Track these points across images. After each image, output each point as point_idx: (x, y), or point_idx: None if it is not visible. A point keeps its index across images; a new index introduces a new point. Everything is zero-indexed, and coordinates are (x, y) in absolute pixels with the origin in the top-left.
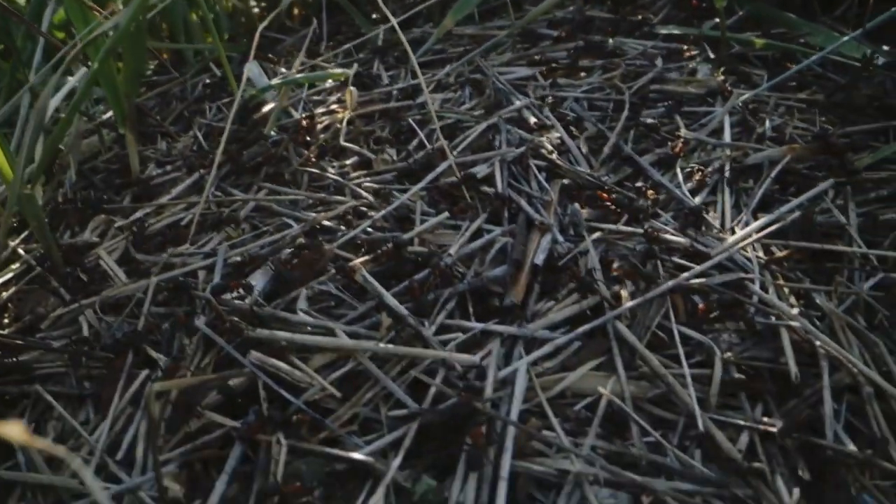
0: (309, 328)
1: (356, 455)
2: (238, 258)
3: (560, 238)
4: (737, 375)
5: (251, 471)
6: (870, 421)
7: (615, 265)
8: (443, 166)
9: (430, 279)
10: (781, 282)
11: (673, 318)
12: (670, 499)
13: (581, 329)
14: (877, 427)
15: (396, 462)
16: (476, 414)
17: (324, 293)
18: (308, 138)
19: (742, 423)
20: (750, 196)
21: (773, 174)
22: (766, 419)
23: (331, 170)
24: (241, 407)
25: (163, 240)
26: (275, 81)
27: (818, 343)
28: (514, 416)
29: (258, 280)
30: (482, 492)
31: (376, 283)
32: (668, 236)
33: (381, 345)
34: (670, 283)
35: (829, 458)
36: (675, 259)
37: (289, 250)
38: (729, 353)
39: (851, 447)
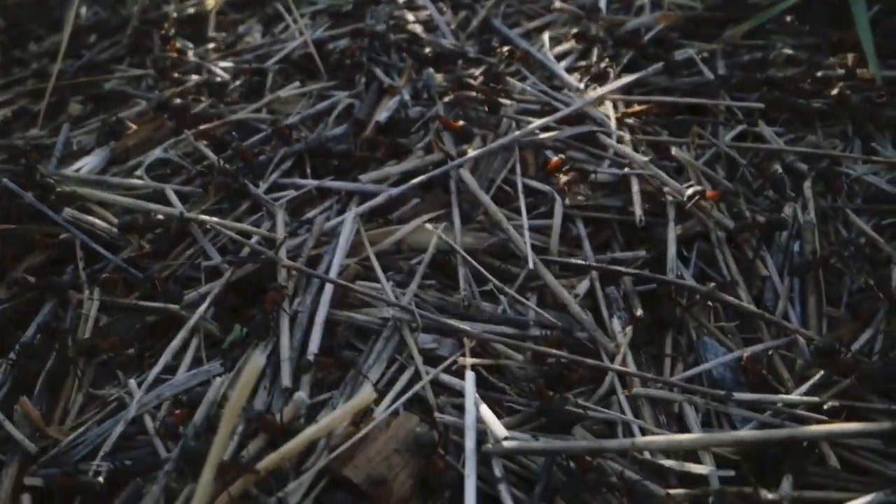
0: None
1: (166, 306)
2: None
3: (408, 98)
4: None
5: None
6: (720, 266)
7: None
8: (298, 41)
9: (271, 141)
10: (640, 136)
11: (519, 171)
12: (498, 343)
13: (417, 180)
14: (726, 270)
15: (202, 308)
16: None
17: (164, 161)
18: (173, 28)
19: (582, 263)
20: (618, 59)
21: (646, 39)
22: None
23: (192, 54)
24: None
25: (8, 127)
26: None
27: (666, 189)
28: (336, 266)
29: (97, 152)
30: (294, 339)
31: (205, 149)
32: (514, 97)
33: (187, 213)
34: (514, 133)
35: (666, 294)
36: (532, 118)
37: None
38: (576, 200)
39: (692, 282)
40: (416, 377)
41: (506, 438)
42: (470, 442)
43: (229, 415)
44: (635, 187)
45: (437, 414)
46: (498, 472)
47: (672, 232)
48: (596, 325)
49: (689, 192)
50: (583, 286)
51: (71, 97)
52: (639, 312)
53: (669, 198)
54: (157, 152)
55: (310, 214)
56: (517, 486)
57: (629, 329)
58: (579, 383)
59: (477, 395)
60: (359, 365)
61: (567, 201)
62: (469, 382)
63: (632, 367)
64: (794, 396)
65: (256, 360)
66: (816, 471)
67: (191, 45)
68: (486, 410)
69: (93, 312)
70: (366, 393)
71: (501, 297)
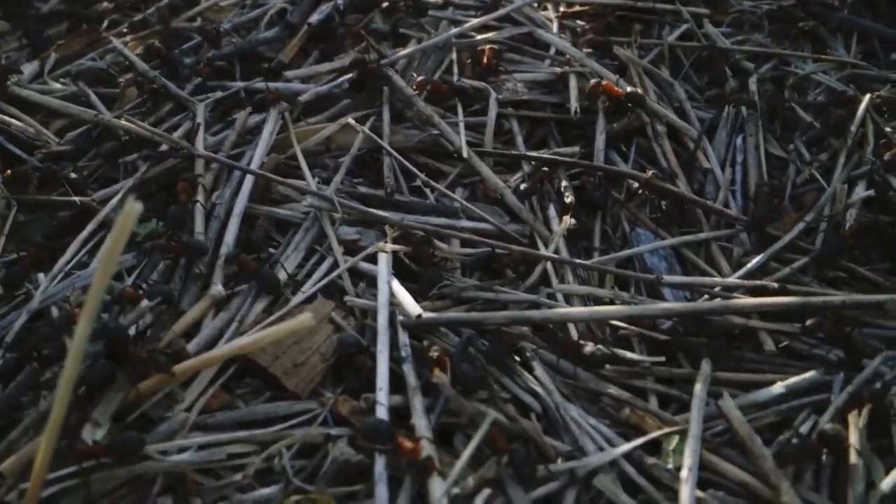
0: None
1: (78, 199)
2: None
3: (340, 3)
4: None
5: None
6: (659, 161)
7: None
8: None
9: (204, 46)
10: (584, 38)
11: (456, 71)
12: (422, 232)
13: (346, 77)
14: (666, 164)
15: (114, 201)
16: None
17: (91, 69)
18: None
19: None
20: None
21: None
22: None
23: None
24: None
25: None
26: None
27: (604, 82)
28: (257, 159)
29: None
30: (210, 231)
31: (129, 52)
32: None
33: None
34: (447, 32)
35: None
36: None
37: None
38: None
39: (627, 168)
40: (336, 268)
41: (419, 316)
42: (382, 319)
43: (105, 264)
44: (573, 83)
45: (347, 297)
46: (404, 351)
47: (601, 121)
48: (531, 215)
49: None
50: (516, 178)
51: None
52: (569, 199)
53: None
54: (86, 61)
55: (236, 116)
56: None
57: (566, 219)
58: (509, 267)
59: (393, 277)
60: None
61: (501, 96)
62: (382, 262)
63: (564, 256)
64: (732, 279)
65: (131, 205)
66: (753, 356)
67: None
68: (401, 290)
69: (11, 214)
70: (303, 317)
71: (428, 192)
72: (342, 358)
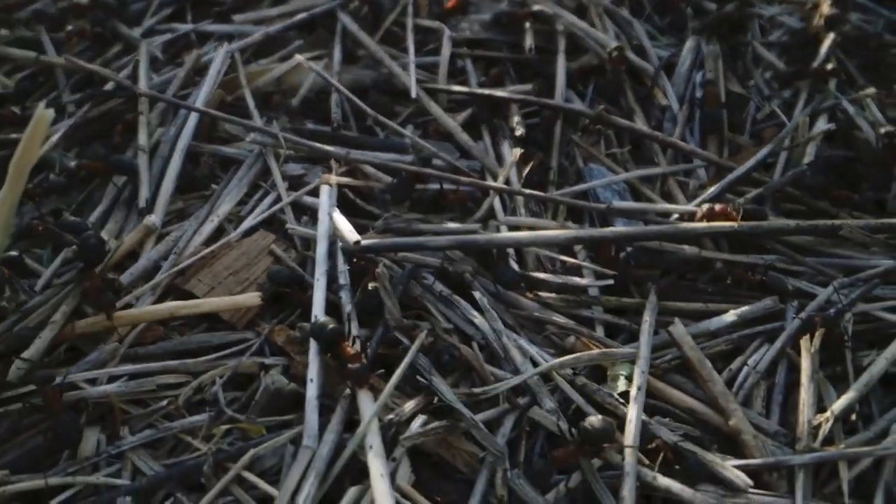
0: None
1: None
2: None
3: None
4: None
5: None
6: (618, 98)
7: None
8: None
9: None
10: None
11: (411, 12)
12: (371, 167)
13: (298, 17)
14: (623, 101)
15: (54, 140)
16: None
17: (39, 13)
18: None
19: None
20: None
21: None
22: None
23: None
24: None
25: None
26: None
27: (560, 19)
28: (203, 97)
29: None
30: (154, 167)
31: None
32: None
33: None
34: None
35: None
36: None
37: None
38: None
39: (581, 107)
40: (279, 202)
41: (358, 241)
42: (321, 248)
43: (17, 169)
44: (529, 23)
45: (288, 225)
46: (342, 279)
47: (561, 59)
48: (483, 151)
49: None
50: (465, 115)
51: None
52: (520, 132)
53: (560, 28)
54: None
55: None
56: None
57: (516, 151)
58: (456, 203)
59: (335, 208)
60: None
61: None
62: (324, 194)
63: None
64: (682, 207)
65: (43, 111)
66: (709, 288)
67: None
68: (341, 219)
69: None
70: (251, 296)
71: (378, 129)
72: (277, 290)
